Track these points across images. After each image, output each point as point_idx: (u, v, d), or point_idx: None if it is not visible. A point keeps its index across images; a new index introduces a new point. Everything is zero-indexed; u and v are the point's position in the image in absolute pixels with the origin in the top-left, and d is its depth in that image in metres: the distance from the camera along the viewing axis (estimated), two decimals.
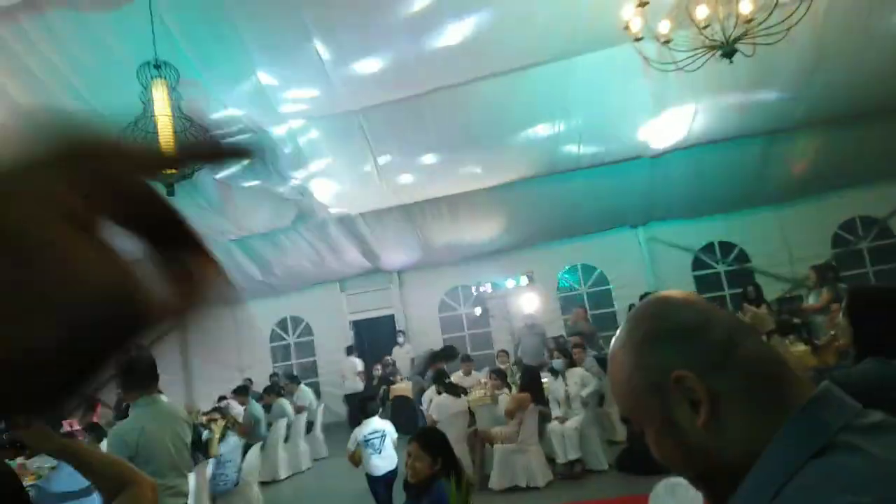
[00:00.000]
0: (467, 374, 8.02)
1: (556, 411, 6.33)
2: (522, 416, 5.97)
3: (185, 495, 3.15)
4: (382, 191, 9.25)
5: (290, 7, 5.94)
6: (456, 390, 6.57)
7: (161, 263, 0.25)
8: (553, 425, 6.15)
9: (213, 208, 8.90)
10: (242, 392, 8.38)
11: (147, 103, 5.21)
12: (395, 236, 10.47)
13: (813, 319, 7.22)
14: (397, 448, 5.06)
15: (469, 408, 6.63)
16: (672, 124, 8.26)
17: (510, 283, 11.09)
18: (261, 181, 8.66)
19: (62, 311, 0.21)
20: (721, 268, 10.80)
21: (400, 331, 11.43)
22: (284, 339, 12.59)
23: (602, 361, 6.79)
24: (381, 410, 5.96)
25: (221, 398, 9.01)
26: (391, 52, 6.73)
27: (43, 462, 5.09)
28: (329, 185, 9.08)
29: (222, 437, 6.33)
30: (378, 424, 5.19)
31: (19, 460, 4.56)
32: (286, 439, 8.12)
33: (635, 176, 9.26)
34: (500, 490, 5.87)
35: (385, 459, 5.00)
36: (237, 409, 8.01)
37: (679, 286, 10.56)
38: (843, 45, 6.86)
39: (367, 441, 5.06)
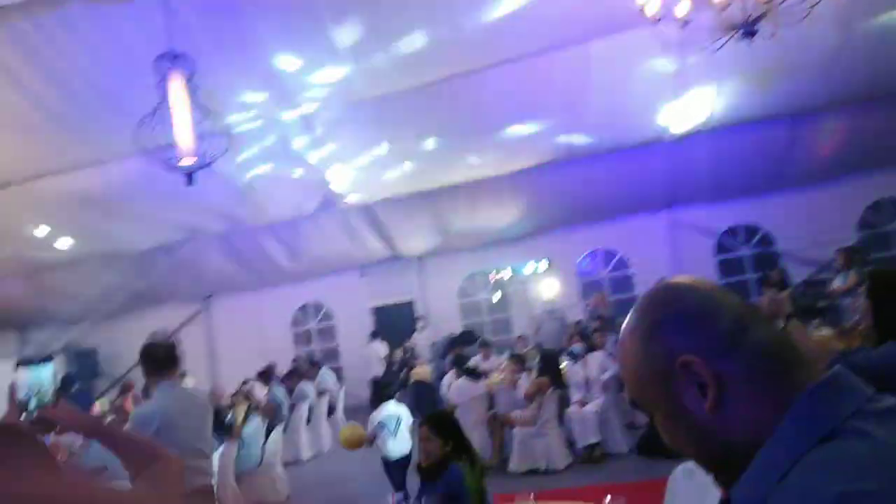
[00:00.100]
0: (486, 358, 8.05)
1: (575, 395, 6.34)
2: (542, 399, 5.99)
3: (209, 475, 3.23)
4: (400, 178, 9.26)
5: None
6: (474, 374, 6.60)
7: None
8: (573, 409, 6.16)
9: (236, 196, 9.00)
10: (265, 376, 8.53)
11: (164, 94, 5.26)
12: (413, 223, 10.48)
13: (839, 303, 7.09)
14: (413, 433, 5.12)
15: (488, 392, 6.68)
16: (693, 107, 8.12)
17: (529, 269, 11.06)
18: (280, 169, 8.72)
19: None
20: (745, 251, 10.64)
21: (419, 316, 11.49)
22: (306, 324, 12.75)
23: None
24: (398, 395, 6.01)
25: (245, 382, 9.17)
26: (407, 38, 6.69)
27: (76, 440, 5.28)
28: (347, 172, 9.10)
29: (245, 419, 6.46)
30: (393, 409, 5.27)
31: (52, 438, 4.72)
32: (308, 421, 8.26)
33: (657, 159, 9.14)
34: (519, 473, 5.92)
35: (400, 443, 5.08)
36: (260, 392, 8.15)
37: (702, 270, 10.46)
38: (868, 24, 6.66)
39: (382, 425, 5.15)
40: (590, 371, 6.30)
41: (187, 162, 5.35)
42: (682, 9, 4.81)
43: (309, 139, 8.14)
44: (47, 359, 1.61)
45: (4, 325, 12.08)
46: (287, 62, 6.80)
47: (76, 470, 3.95)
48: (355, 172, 9.15)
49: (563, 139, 8.64)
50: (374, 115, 7.84)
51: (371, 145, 8.53)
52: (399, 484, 5.09)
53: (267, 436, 6.49)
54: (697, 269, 10.44)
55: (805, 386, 0.68)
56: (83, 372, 11.88)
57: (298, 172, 8.84)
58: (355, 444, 5.11)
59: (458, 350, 7.64)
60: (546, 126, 8.40)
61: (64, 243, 9.88)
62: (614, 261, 11.24)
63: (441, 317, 11.56)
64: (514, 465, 5.98)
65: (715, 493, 0.78)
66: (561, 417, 6.18)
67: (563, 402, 6.28)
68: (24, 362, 1.57)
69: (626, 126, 8.49)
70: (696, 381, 0.71)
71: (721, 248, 10.75)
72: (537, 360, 6.74)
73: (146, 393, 6.98)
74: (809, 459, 0.61)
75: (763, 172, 9.37)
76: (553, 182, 9.50)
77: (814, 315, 6.81)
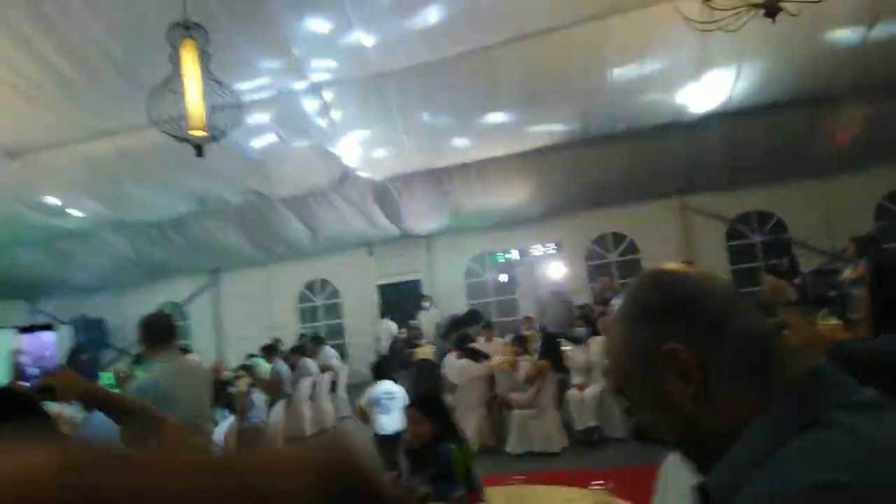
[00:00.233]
0: (489, 340, 8.03)
1: (576, 379, 6.32)
2: (541, 382, 5.97)
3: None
4: (411, 155, 9.18)
5: None
6: (476, 355, 6.59)
7: None
8: (572, 392, 6.15)
9: (247, 170, 8.99)
10: (270, 351, 8.58)
11: (176, 64, 5.21)
12: (423, 201, 10.42)
13: (849, 292, 6.97)
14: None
15: (489, 373, 6.67)
16: (712, 88, 7.94)
17: (537, 250, 10.99)
18: (292, 144, 8.68)
19: None
20: (756, 238, 10.49)
21: (426, 295, 11.48)
22: (313, 300, 12.80)
23: None
24: (401, 372, 6.05)
25: (250, 356, 9.25)
26: (421, 13, 6.57)
27: (77, 413, 5.34)
28: (358, 148, 9.04)
29: (247, 393, 6.51)
30: (390, 386, 5.37)
31: (55, 408, 4.77)
32: (311, 398, 8.32)
33: (672, 143, 8.98)
34: (516, 454, 5.93)
35: (393, 420, 5.13)
36: (264, 367, 8.21)
37: (713, 256, 10.35)
38: (894, 8, 6.43)
39: (377, 400, 5.26)
40: (591, 355, 6.26)
41: (198, 134, 5.33)
42: None
43: (322, 114, 8.08)
44: (47, 326, 1.59)
45: (15, 294, 12.23)
46: (301, 35, 6.72)
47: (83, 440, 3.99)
48: (366, 149, 9.09)
49: (577, 119, 8.50)
50: (387, 90, 7.75)
51: (383, 121, 8.45)
52: (389, 461, 5.14)
53: (269, 410, 6.55)
54: (708, 254, 10.33)
55: (788, 376, 0.68)
56: (91, 342, 12.04)
57: (310, 148, 8.80)
58: None
59: (463, 330, 7.62)
60: (559, 105, 8.26)
61: (75, 213, 9.95)
62: (624, 245, 11.13)
63: (447, 296, 11.55)
64: (511, 446, 5.99)
65: None
66: (560, 401, 6.16)
67: (564, 386, 6.26)
68: (26, 329, 1.56)
69: (642, 107, 8.32)
70: (680, 368, 0.71)
71: (733, 233, 10.59)
72: (539, 342, 6.71)
73: (137, 362, 7.06)
74: (788, 449, 0.61)
75: (780, 158, 9.17)
76: (564, 163, 9.38)
77: (823, 304, 6.72)
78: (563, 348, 6.38)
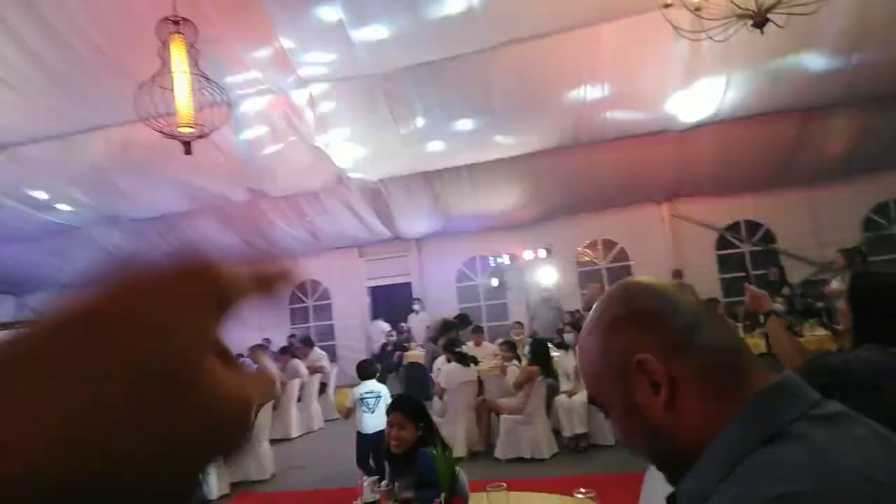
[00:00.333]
0: (477, 345, 8.03)
1: (565, 385, 6.32)
2: (530, 388, 5.97)
3: None
4: (402, 157, 9.17)
5: None
6: (465, 359, 6.58)
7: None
8: (561, 399, 6.14)
9: (237, 169, 8.94)
10: (258, 351, 8.52)
11: (165, 59, 5.19)
12: (414, 204, 10.41)
13: (836, 304, 7.03)
14: None
15: (479, 377, 6.66)
16: (702, 97, 7.98)
17: (528, 255, 11.01)
18: (282, 143, 8.65)
19: (200, 432, 0.25)
20: (746, 248, 10.56)
21: (416, 298, 11.48)
22: (304, 301, 12.75)
23: None
24: (393, 374, 6.05)
25: (238, 356, 9.19)
26: (413, 14, 6.57)
27: None
28: (349, 149, 9.02)
29: None
30: (374, 386, 5.46)
31: None
32: (299, 399, 8.28)
33: (662, 150, 9.02)
34: (505, 460, 5.92)
35: (377, 419, 5.17)
36: (251, 367, 8.15)
37: (702, 264, 10.40)
38: (889, 17, 6.49)
39: (362, 400, 5.35)
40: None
41: (186, 130, 5.30)
42: None
43: (313, 114, 8.05)
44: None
45: (1, 289, 12.12)
46: (292, 35, 6.70)
47: None
48: (358, 150, 9.07)
49: (568, 125, 8.52)
50: (378, 92, 7.75)
51: (374, 123, 8.43)
52: (364, 458, 5.25)
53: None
54: (697, 262, 10.39)
55: (753, 389, 0.69)
56: None
57: (301, 148, 8.76)
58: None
59: (452, 333, 7.61)
60: (551, 110, 8.28)
61: (63, 207, 9.86)
62: (614, 251, 11.17)
63: (438, 299, 11.54)
64: (500, 452, 5.98)
65: None
66: (549, 407, 6.16)
67: (552, 392, 6.26)
68: (5, 326, 1.54)
69: (633, 114, 8.36)
70: (651, 379, 0.72)
71: (722, 242, 10.66)
72: (527, 348, 6.71)
73: None
74: (750, 461, 0.63)
75: (769, 168, 9.24)
76: (557, 168, 9.40)
77: (811, 315, 6.77)
78: (552, 354, 6.38)
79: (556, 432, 6.13)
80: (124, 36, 6.10)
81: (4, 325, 9.35)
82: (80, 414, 0.22)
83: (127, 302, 0.25)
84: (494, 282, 11.59)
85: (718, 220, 10.52)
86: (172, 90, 5.16)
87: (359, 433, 5.39)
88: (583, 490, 2.23)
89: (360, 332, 12.00)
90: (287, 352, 8.76)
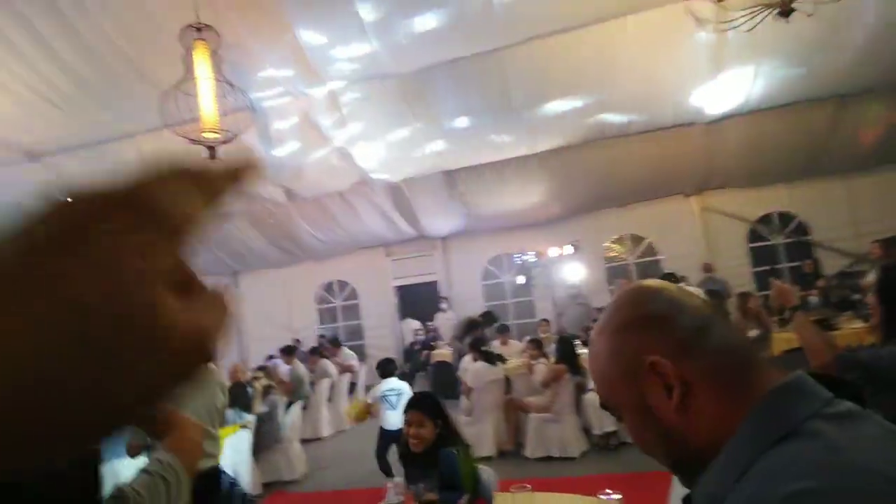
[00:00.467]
0: (504, 343, 8.00)
1: (592, 382, 6.24)
2: (558, 386, 5.93)
3: (214, 457, 3.25)
4: (425, 157, 9.18)
5: None
6: (492, 358, 6.56)
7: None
8: (590, 396, 6.08)
9: (266, 172, 9.05)
10: (289, 352, 8.64)
11: (189, 66, 5.28)
12: (438, 203, 10.42)
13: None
14: None
15: (506, 376, 6.64)
16: (729, 88, 7.81)
17: (554, 252, 10.92)
18: (307, 146, 8.73)
19: (152, 363, 0.25)
20: (778, 240, 10.30)
21: (443, 297, 11.49)
22: (332, 301, 12.88)
23: None
24: (421, 373, 6.09)
25: (270, 357, 9.33)
26: (434, 13, 6.57)
27: None
28: (372, 150, 9.07)
29: (264, 395, 6.56)
30: (396, 383, 5.54)
31: None
32: (329, 399, 8.36)
33: (690, 142, 8.86)
34: (534, 458, 5.89)
35: (399, 416, 5.15)
36: (283, 368, 8.27)
37: (734, 258, 10.19)
38: None
39: (384, 397, 5.42)
40: None
41: (211, 136, 5.39)
42: None
43: (336, 116, 8.11)
44: None
45: None
46: (313, 37, 6.76)
47: None
48: (382, 151, 9.11)
49: (594, 119, 8.43)
50: (401, 92, 7.76)
51: (398, 123, 8.46)
52: (386, 453, 5.33)
53: (286, 412, 6.59)
54: (729, 256, 10.18)
55: (765, 388, 0.70)
56: None
57: (325, 150, 8.84)
58: (362, 416, 5.62)
59: (478, 332, 7.60)
60: (576, 105, 8.19)
61: None
62: (642, 246, 11.01)
63: (464, 298, 11.54)
64: (529, 450, 5.95)
65: None
66: (577, 404, 6.11)
67: (581, 389, 6.20)
68: None
69: (659, 106, 8.22)
70: (663, 381, 0.73)
71: (755, 235, 10.42)
72: (554, 345, 6.65)
73: None
74: (765, 460, 0.63)
75: (801, 158, 9.00)
76: (582, 163, 9.31)
77: (847, 307, 6.58)
78: (579, 351, 6.32)
79: (586, 430, 6.07)
80: (151, 45, 6.23)
81: None
82: (9, 341, 0.22)
83: (63, 239, 0.25)
84: (521, 279, 11.53)
85: (750, 213, 10.28)
86: (196, 96, 5.25)
87: (381, 428, 5.49)
88: (608, 491, 2.20)
89: (388, 331, 12.07)
90: (316, 352, 8.85)
